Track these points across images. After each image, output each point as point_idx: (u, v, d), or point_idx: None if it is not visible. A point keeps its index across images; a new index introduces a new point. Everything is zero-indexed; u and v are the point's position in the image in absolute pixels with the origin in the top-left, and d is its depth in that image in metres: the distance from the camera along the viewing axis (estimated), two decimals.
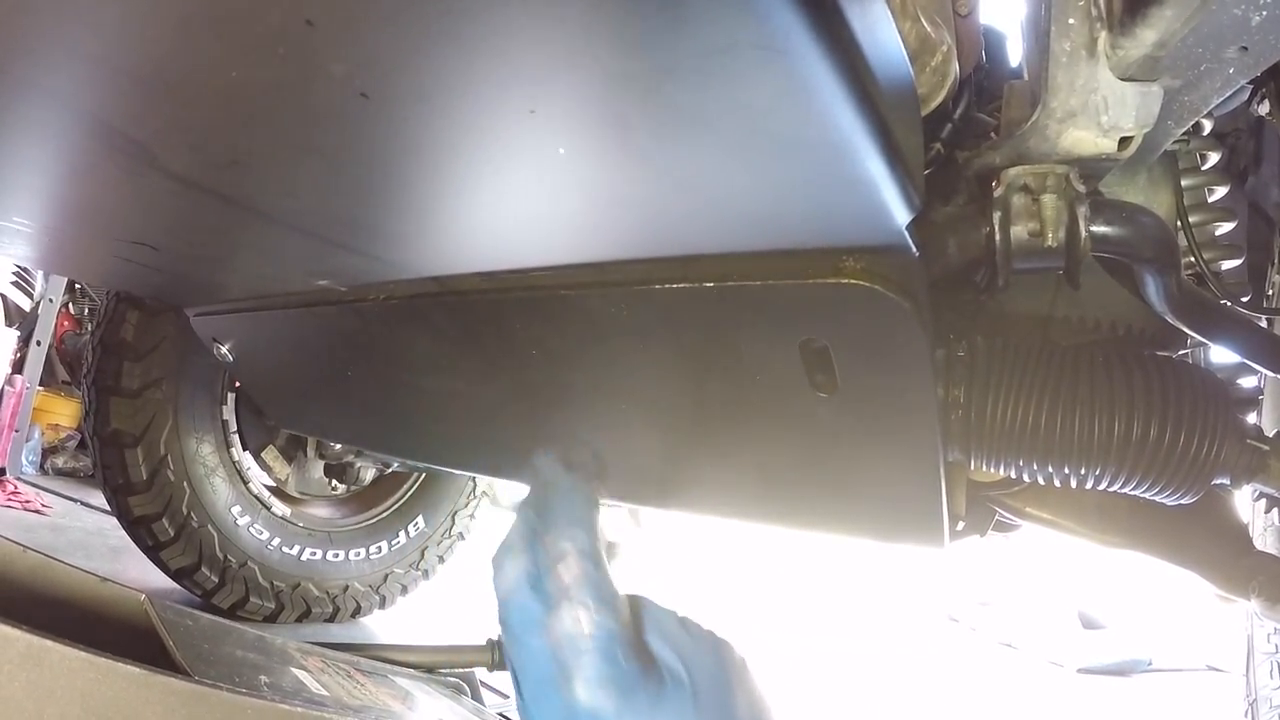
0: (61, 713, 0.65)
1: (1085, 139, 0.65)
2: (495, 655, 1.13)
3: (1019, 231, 0.70)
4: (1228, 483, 0.79)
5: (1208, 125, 1.01)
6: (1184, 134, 0.96)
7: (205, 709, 0.69)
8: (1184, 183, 0.99)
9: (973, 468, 0.86)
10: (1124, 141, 0.65)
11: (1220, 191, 1.02)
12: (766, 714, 0.50)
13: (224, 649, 0.81)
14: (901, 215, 0.42)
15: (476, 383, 0.84)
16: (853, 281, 0.47)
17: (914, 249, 0.46)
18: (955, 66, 0.75)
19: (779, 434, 0.63)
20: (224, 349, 1.12)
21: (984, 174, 0.70)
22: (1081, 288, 1.00)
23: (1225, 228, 1.02)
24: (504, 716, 1.09)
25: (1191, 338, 0.87)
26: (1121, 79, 0.64)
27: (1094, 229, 0.71)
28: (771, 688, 0.51)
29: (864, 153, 0.36)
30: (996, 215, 0.69)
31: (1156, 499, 0.80)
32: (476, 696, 1.12)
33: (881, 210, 0.41)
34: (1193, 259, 0.96)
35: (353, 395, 1.06)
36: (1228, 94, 0.72)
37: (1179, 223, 0.96)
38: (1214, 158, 1.01)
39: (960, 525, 0.86)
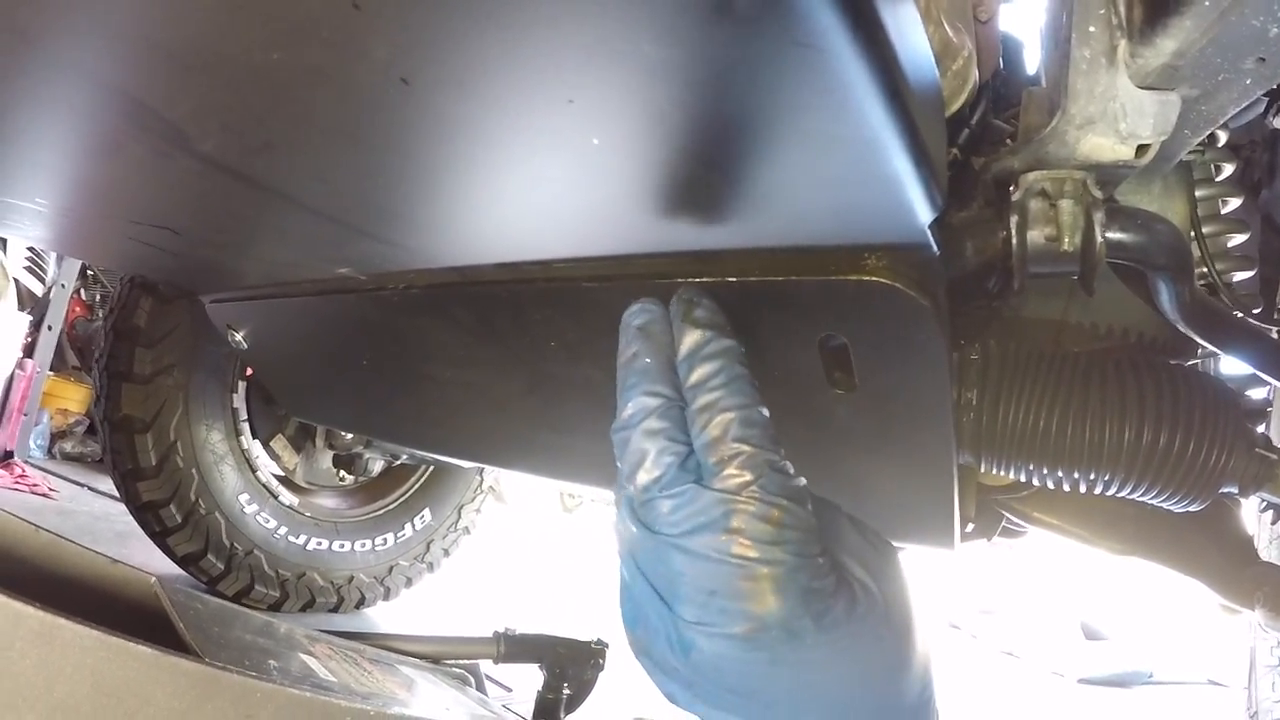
0: (71, 690, 0.66)
1: (1103, 145, 0.65)
2: (501, 648, 1.13)
3: (1035, 236, 0.70)
4: (1235, 491, 0.79)
5: (1223, 137, 1.01)
6: (1200, 145, 0.96)
7: (215, 691, 0.69)
8: (1198, 193, 0.99)
9: (982, 471, 0.87)
10: (1141, 149, 0.66)
11: (1234, 203, 1.02)
12: (927, 630, 0.45)
13: (233, 633, 0.82)
14: (925, 214, 0.42)
15: (494, 374, 0.85)
16: (874, 279, 0.48)
17: (935, 248, 0.46)
18: (975, 71, 0.76)
19: (797, 431, 0.64)
20: (238, 336, 1.13)
21: (1002, 179, 0.70)
22: (1095, 294, 1.00)
23: (1238, 239, 1.03)
24: (508, 709, 1.10)
25: (1203, 347, 0.87)
26: (1140, 87, 0.65)
27: (1109, 235, 0.72)
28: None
29: (892, 150, 0.37)
30: (1014, 219, 0.70)
31: (1164, 506, 0.80)
32: (481, 688, 1.13)
33: (906, 208, 0.41)
34: (1205, 269, 0.97)
35: (367, 384, 1.06)
36: (1244, 104, 0.73)
37: (1193, 232, 0.97)
38: (1229, 169, 1.01)
39: (969, 527, 0.87)
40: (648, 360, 0.43)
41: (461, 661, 1.12)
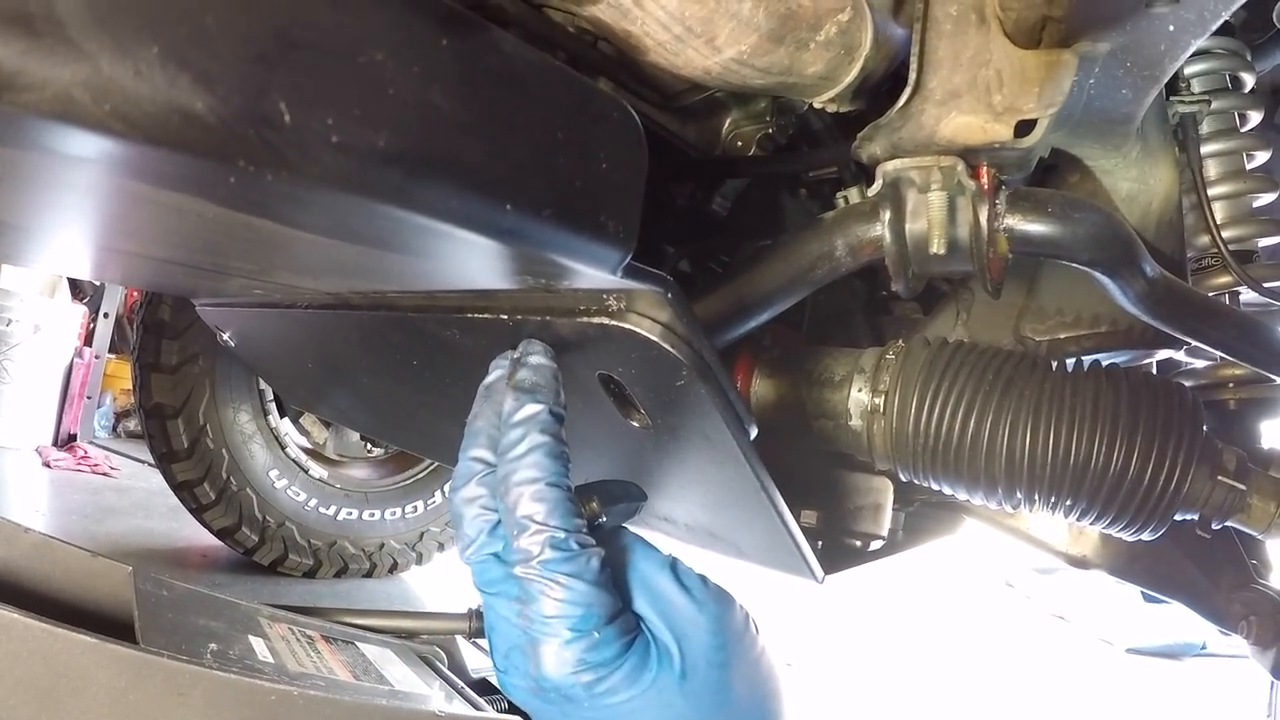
0: (29, 670, 0.76)
1: (971, 125, 0.56)
2: (473, 624, 1.19)
3: (916, 231, 0.62)
4: (1196, 520, 0.69)
5: (1249, 81, 0.85)
6: (1203, 94, 0.81)
7: (149, 673, 0.77)
8: (1214, 147, 0.85)
9: (904, 480, 0.80)
10: (1024, 126, 0.55)
11: (1261, 157, 0.86)
12: (771, 696, 0.46)
13: (188, 618, 0.90)
14: (610, 259, 0.38)
15: (401, 382, 0.88)
16: (615, 324, 0.45)
17: (666, 290, 0.42)
18: (866, 36, 0.66)
19: (631, 460, 0.62)
20: (225, 336, 1.21)
21: (873, 168, 0.62)
22: (1060, 276, 0.88)
23: (1266, 198, 0.87)
24: (485, 679, 1.15)
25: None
26: (1023, 47, 0.54)
27: (1014, 227, 0.62)
28: (780, 657, 0.48)
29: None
30: (885, 215, 0.62)
31: (1109, 532, 0.71)
32: (456, 663, 1.18)
33: (585, 258, 0.38)
34: (1209, 239, 0.83)
35: (325, 378, 1.13)
36: (1184, 55, 0.60)
37: (1197, 197, 0.82)
38: (1255, 118, 0.85)
39: (876, 545, 0.81)
40: (479, 423, 0.46)
41: (439, 637, 1.18)
